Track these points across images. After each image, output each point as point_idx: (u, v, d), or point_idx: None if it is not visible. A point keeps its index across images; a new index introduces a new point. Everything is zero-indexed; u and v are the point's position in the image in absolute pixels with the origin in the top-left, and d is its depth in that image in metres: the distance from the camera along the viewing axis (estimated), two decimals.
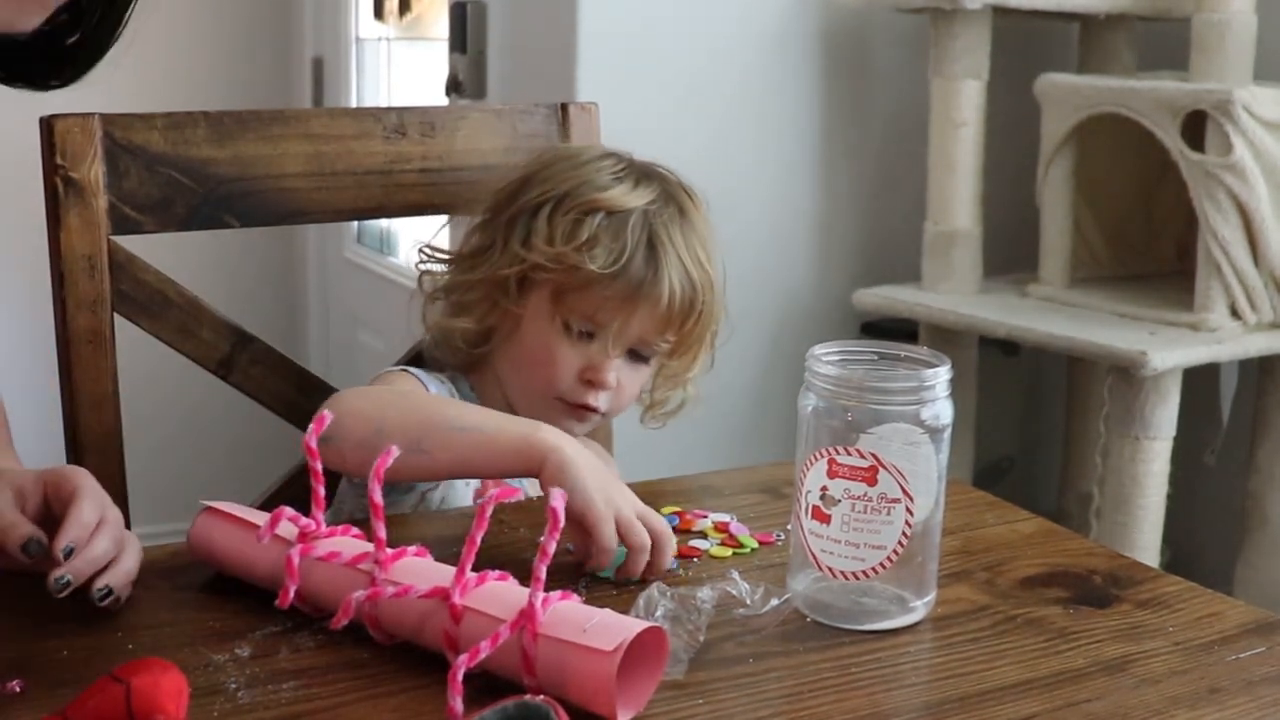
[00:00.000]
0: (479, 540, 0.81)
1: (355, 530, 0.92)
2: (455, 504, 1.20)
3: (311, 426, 0.91)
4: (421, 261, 1.29)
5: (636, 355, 1.22)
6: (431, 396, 1.18)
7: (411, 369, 1.23)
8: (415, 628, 0.84)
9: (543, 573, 0.78)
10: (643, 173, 1.24)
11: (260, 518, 0.93)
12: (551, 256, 1.18)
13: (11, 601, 0.88)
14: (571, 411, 1.22)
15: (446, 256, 1.28)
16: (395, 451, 0.87)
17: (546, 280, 1.19)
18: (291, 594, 0.88)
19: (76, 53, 0.82)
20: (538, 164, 1.25)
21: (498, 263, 1.21)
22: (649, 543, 0.97)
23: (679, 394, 1.30)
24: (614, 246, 1.17)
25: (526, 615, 0.78)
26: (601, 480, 0.98)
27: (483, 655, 0.77)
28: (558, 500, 0.79)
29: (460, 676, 0.74)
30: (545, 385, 1.21)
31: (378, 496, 0.86)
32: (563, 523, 0.78)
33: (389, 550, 0.86)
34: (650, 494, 1.16)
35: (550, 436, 1.01)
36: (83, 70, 0.84)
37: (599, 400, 1.21)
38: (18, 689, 0.78)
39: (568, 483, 0.97)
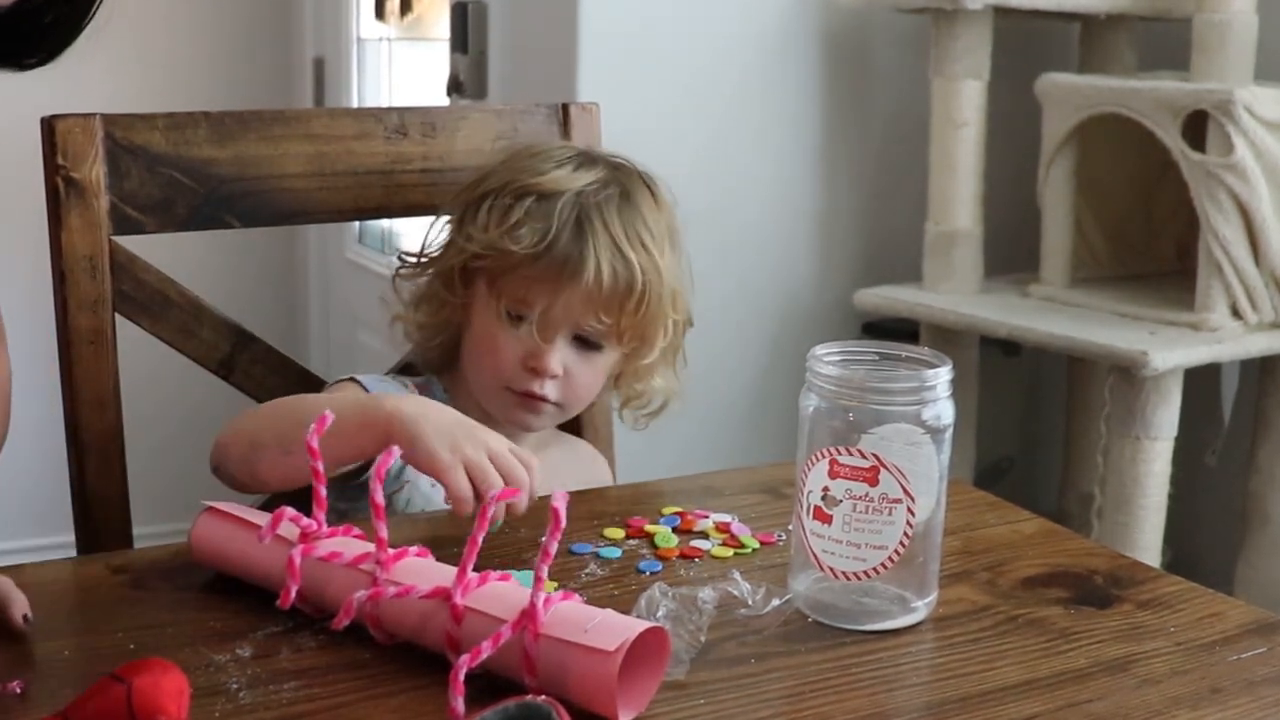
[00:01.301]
0: (480, 540, 0.81)
1: (356, 530, 0.92)
2: (421, 506, 1.19)
3: (313, 426, 0.91)
4: (398, 269, 1.29)
5: (585, 343, 1.20)
6: (303, 400, 1.13)
7: (359, 376, 1.22)
8: (417, 628, 0.84)
9: (544, 573, 0.78)
10: (590, 159, 1.23)
11: (261, 518, 0.93)
12: (484, 244, 1.18)
13: None
14: (522, 401, 1.21)
15: (413, 260, 1.28)
16: (397, 451, 0.87)
17: (483, 268, 1.20)
18: (293, 594, 0.88)
19: (53, 29, 0.82)
20: (494, 162, 1.25)
21: (445, 257, 1.23)
22: (499, 488, 0.95)
23: (658, 390, 1.28)
24: (539, 227, 1.16)
25: (528, 615, 0.78)
26: (447, 428, 0.98)
27: (484, 655, 0.77)
28: (559, 501, 0.79)
29: (462, 677, 0.74)
30: (493, 374, 1.21)
31: (379, 497, 0.86)
32: (564, 523, 0.78)
33: (390, 550, 0.86)
34: (651, 495, 1.16)
35: (388, 402, 1.01)
36: (60, 48, 0.83)
37: (545, 388, 1.19)
38: (18, 689, 0.78)
39: (410, 438, 0.97)
